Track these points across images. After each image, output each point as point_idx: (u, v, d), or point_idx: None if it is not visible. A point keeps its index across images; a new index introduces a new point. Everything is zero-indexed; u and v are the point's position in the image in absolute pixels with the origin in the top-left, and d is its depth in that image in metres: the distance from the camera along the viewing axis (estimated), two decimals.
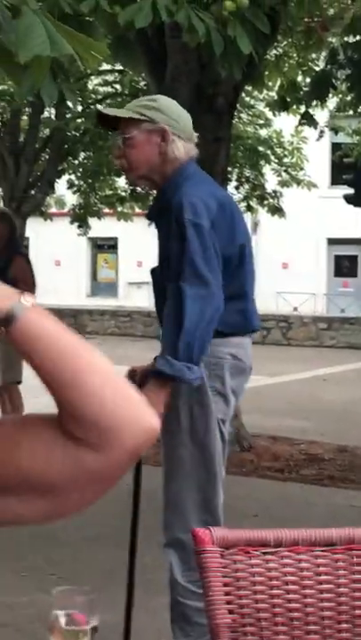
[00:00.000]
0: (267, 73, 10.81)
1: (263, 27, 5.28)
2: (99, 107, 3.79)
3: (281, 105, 10.00)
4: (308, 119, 9.70)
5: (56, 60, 4.63)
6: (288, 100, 9.81)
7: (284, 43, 10.68)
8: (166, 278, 3.64)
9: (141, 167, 3.75)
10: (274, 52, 10.31)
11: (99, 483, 1.43)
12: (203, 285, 3.51)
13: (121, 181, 19.92)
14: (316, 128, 10.77)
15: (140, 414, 1.42)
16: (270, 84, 11.14)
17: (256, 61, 6.07)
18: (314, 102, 10.32)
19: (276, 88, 10.97)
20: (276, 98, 11.28)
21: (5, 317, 1.33)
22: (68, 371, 1.37)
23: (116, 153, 3.83)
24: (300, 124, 10.44)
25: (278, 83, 10.71)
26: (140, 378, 3.95)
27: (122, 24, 4.92)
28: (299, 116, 10.57)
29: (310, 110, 10.37)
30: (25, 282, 8.20)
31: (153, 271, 3.85)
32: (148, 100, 3.82)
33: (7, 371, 8.15)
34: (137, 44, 7.51)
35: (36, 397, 9.38)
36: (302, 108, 10.52)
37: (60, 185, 20.10)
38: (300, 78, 10.96)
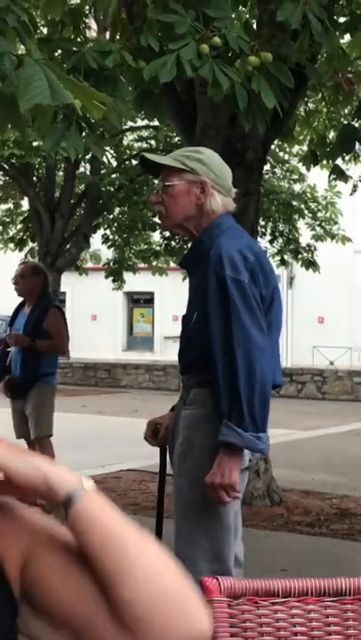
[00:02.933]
0: (298, 128, 10.87)
1: (287, 81, 5.32)
2: (144, 153, 3.87)
3: (312, 159, 10.02)
4: (337, 173, 9.70)
5: (83, 115, 4.71)
6: (318, 154, 9.84)
7: (316, 97, 10.76)
8: (201, 329, 3.65)
9: (178, 216, 3.77)
10: (304, 106, 10.37)
11: None
12: (254, 346, 3.54)
13: (156, 236, 20.09)
14: (346, 182, 10.78)
15: (191, 616, 1.38)
16: (301, 138, 11.18)
17: (281, 116, 6.11)
18: (346, 156, 10.31)
19: (307, 142, 11.02)
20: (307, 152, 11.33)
21: (65, 499, 1.38)
22: (118, 562, 1.36)
23: (154, 198, 3.83)
24: (332, 178, 10.46)
25: (309, 137, 10.76)
26: (163, 432, 3.98)
27: (146, 79, 4.97)
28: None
29: (343, 165, 10.39)
30: (59, 334, 8.24)
31: (185, 318, 3.84)
32: (193, 151, 3.84)
33: (38, 424, 8.11)
34: (166, 99, 7.59)
35: (66, 452, 9.34)
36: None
37: (96, 240, 20.28)
38: (332, 134, 11.01)
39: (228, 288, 3.55)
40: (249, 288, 3.58)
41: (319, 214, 19.50)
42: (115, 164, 18.31)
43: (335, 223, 19.65)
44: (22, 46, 2.98)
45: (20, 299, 8.53)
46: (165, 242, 19.26)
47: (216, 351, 3.57)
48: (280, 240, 18.99)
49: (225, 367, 3.55)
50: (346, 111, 10.62)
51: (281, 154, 17.60)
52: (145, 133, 18.41)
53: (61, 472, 1.41)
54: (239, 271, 3.58)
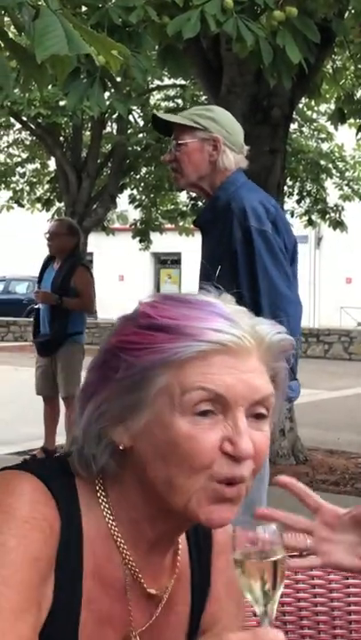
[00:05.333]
0: (326, 87, 10.77)
1: (313, 36, 5.27)
2: (154, 111, 3.82)
3: (339, 117, 9.93)
4: None
5: (106, 71, 4.69)
6: (346, 112, 9.75)
7: (343, 55, 10.65)
8: (228, 281, 3.59)
9: (191, 174, 3.84)
10: (331, 64, 10.27)
11: None
12: (281, 296, 3.62)
13: (182, 196, 19.99)
14: None
15: None
16: (328, 96, 11.09)
17: (306, 71, 6.05)
18: None
19: (334, 100, 10.93)
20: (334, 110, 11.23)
21: None
22: None
23: (167, 157, 3.90)
24: (359, 137, 10.37)
25: (336, 95, 10.67)
26: None
27: (170, 34, 4.94)
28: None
29: None
30: (86, 293, 8.22)
31: (205, 276, 3.79)
32: (204, 110, 3.90)
33: (68, 383, 8.04)
34: (192, 56, 7.54)
35: None
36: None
37: (123, 200, 20.21)
38: (360, 92, 10.90)
39: (253, 239, 3.63)
40: (273, 238, 3.65)
41: (347, 174, 19.35)
42: (142, 123, 18.20)
43: None
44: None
45: (46, 253, 8.46)
46: (192, 202, 19.18)
47: (245, 303, 3.53)
48: (307, 200, 18.87)
49: None
50: None
51: (309, 112, 17.46)
52: (172, 92, 18.30)
53: None
54: (263, 222, 3.65)
